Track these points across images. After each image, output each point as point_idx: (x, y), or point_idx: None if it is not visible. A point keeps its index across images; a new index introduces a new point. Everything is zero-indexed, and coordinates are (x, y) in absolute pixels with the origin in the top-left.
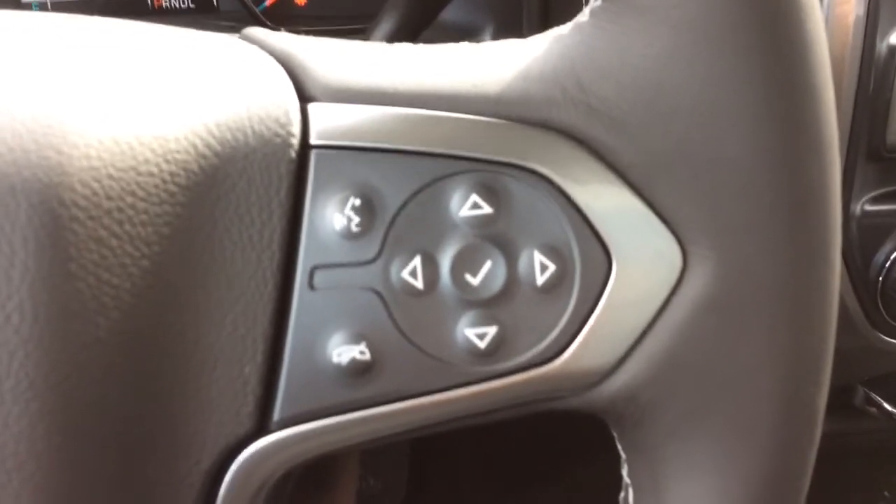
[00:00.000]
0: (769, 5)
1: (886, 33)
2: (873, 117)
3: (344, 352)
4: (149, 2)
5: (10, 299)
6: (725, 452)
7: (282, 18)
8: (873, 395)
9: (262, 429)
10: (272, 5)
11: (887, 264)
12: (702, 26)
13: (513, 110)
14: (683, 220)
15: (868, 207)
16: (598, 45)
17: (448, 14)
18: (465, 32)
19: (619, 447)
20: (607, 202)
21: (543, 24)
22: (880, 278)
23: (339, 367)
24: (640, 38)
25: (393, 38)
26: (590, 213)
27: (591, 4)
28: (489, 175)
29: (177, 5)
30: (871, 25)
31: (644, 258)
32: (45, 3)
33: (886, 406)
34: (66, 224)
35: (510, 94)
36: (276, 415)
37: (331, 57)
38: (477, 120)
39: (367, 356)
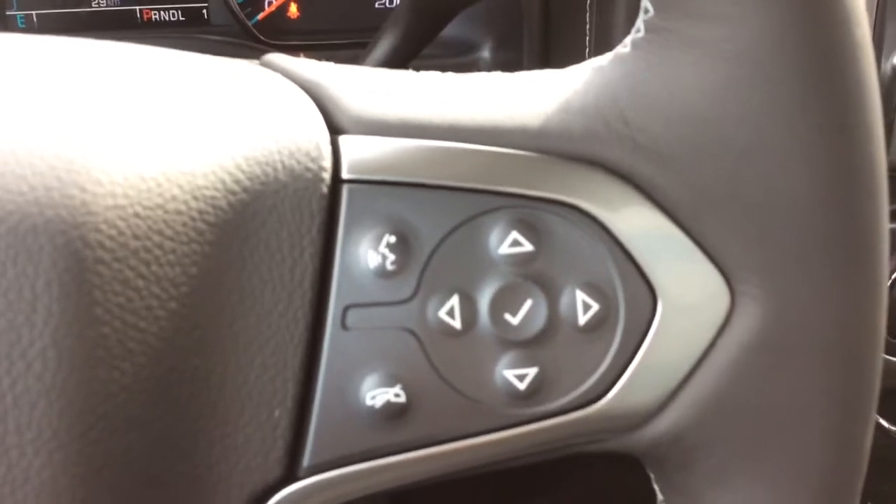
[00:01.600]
0: (824, 40)
1: (891, 53)
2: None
3: (378, 394)
4: (138, 15)
5: (33, 346)
6: (772, 497)
7: (274, 32)
8: None
9: (291, 475)
10: (264, 18)
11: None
12: (755, 60)
13: (553, 144)
14: (732, 259)
15: None
16: (643, 78)
17: (447, 30)
18: (464, 48)
19: (657, 487)
20: (652, 239)
21: (544, 41)
22: None
23: (372, 410)
24: (688, 70)
25: (395, 54)
26: (634, 251)
27: (633, 35)
28: (529, 211)
29: (166, 18)
30: (876, 46)
31: (690, 297)
32: (31, 16)
33: (883, 423)
34: (91, 266)
35: (550, 128)
36: (307, 461)
37: (360, 87)
38: (516, 154)
39: (403, 399)
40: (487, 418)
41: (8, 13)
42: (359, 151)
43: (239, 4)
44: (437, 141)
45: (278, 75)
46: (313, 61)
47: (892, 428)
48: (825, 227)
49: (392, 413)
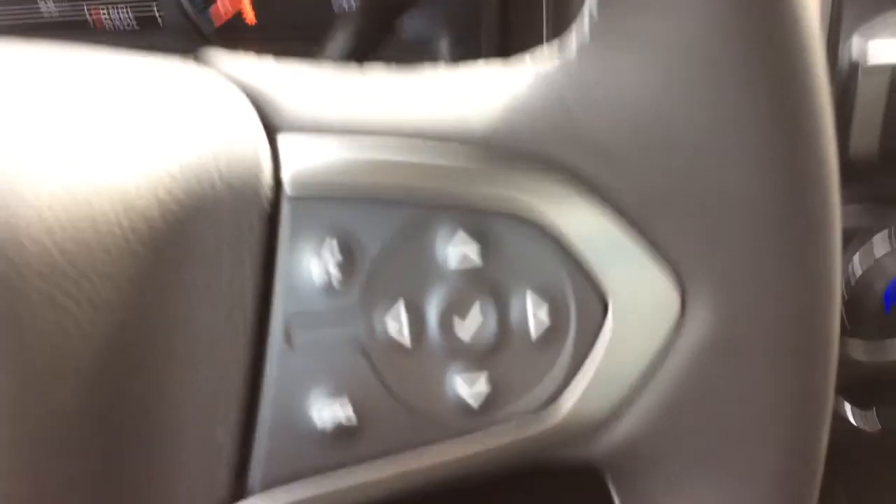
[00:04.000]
0: (771, 30)
1: (847, 48)
2: (839, 124)
3: (326, 411)
4: (91, 22)
5: None
6: (730, 500)
7: (230, 35)
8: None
9: (237, 496)
10: (220, 26)
11: (851, 276)
12: (700, 52)
13: (499, 142)
14: (682, 259)
15: None
16: (589, 75)
17: (404, 27)
18: (421, 44)
19: (615, 496)
20: (602, 242)
21: (501, 36)
22: (844, 291)
23: (321, 427)
24: (634, 67)
25: (350, 52)
26: (584, 255)
27: (578, 30)
28: (476, 216)
29: (120, 26)
30: (833, 40)
31: (641, 301)
32: None
33: (848, 416)
34: (19, 286)
35: (496, 128)
36: (253, 481)
37: (299, 84)
38: (460, 157)
39: (352, 415)
40: (440, 432)
41: None
42: (299, 157)
43: (192, 7)
44: (378, 146)
45: (214, 75)
46: (252, 58)
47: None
48: (775, 224)
49: (341, 430)
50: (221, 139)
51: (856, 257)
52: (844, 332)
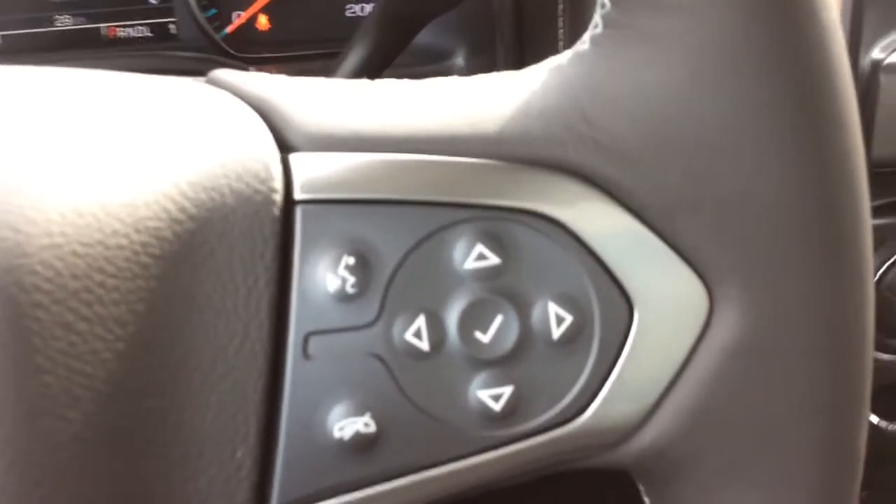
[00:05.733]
0: (791, 30)
1: (869, 48)
2: (862, 130)
3: (346, 425)
4: (103, 32)
5: None
6: None
7: (245, 45)
8: None
9: None
10: (233, 32)
11: (875, 278)
12: (718, 53)
13: (514, 150)
14: (708, 261)
15: None
16: (604, 76)
17: (420, 37)
18: (437, 56)
19: (647, 501)
20: (625, 245)
21: (517, 47)
22: None
23: (341, 441)
24: (649, 66)
25: (366, 65)
26: (606, 258)
27: (591, 31)
28: (494, 223)
29: (133, 34)
30: (854, 41)
31: (668, 303)
32: None
33: (873, 419)
34: (29, 311)
35: (510, 133)
36: (275, 500)
37: (310, 101)
38: (476, 163)
39: (373, 428)
40: (463, 442)
41: None
42: (311, 169)
43: (207, 18)
44: (392, 154)
45: (225, 92)
46: (263, 75)
47: (883, 424)
48: (803, 223)
49: (362, 443)
50: (233, 156)
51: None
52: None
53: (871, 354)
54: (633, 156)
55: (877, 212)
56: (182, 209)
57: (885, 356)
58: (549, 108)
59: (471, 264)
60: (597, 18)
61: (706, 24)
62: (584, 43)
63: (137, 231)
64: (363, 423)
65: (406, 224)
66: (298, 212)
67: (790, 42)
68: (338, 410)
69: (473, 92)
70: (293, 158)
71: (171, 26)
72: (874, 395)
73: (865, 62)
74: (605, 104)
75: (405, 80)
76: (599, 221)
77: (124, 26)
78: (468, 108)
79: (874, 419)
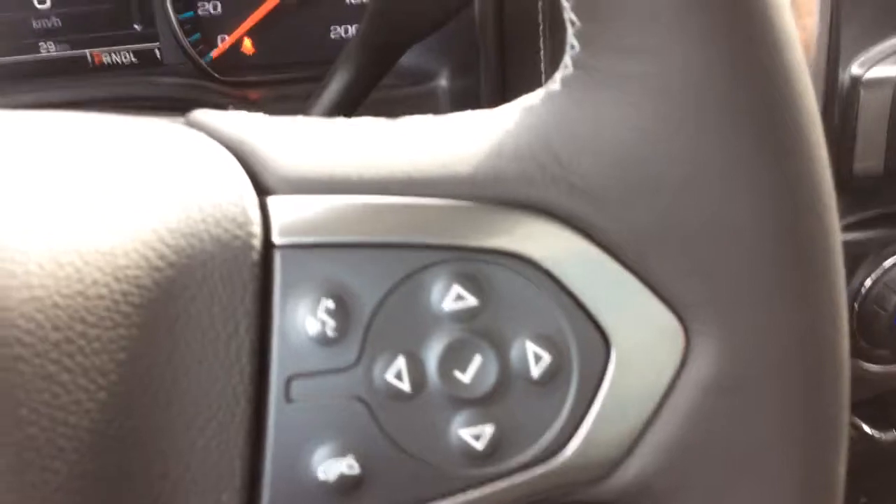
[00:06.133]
0: (752, 68)
1: (848, 63)
2: (840, 148)
3: (330, 467)
4: (89, 59)
5: None
6: None
7: (229, 69)
8: (854, 418)
9: None
10: (218, 56)
11: (862, 291)
12: (681, 93)
13: (487, 191)
14: (682, 296)
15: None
16: (574, 118)
17: (403, 59)
18: (421, 77)
19: None
20: (600, 283)
21: (500, 69)
22: (856, 305)
23: (325, 484)
24: (616, 107)
25: (350, 89)
26: (582, 297)
27: (562, 72)
28: (470, 263)
29: (119, 61)
30: (833, 57)
31: (644, 340)
32: None
33: (865, 428)
34: (10, 365)
35: (483, 174)
36: None
37: (288, 142)
38: (452, 204)
39: (356, 469)
40: (446, 481)
41: None
42: (289, 213)
43: (191, 42)
44: (368, 196)
45: (202, 135)
46: (242, 115)
47: (876, 434)
48: (773, 255)
49: (346, 485)
50: (210, 200)
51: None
52: (857, 348)
53: (848, 377)
54: (603, 196)
55: (860, 225)
56: (161, 256)
57: (874, 367)
58: (522, 149)
59: (449, 305)
60: (566, 59)
61: (670, 65)
62: (555, 83)
63: (117, 280)
64: (347, 465)
65: (383, 267)
66: (277, 256)
67: (754, 80)
68: (321, 452)
69: (448, 132)
70: (270, 202)
71: (156, 51)
72: (866, 406)
73: (845, 77)
74: (576, 145)
75: (381, 120)
76: (573, 260)
77: (109, 52)
78: (443, 148)
79: (866, 429)
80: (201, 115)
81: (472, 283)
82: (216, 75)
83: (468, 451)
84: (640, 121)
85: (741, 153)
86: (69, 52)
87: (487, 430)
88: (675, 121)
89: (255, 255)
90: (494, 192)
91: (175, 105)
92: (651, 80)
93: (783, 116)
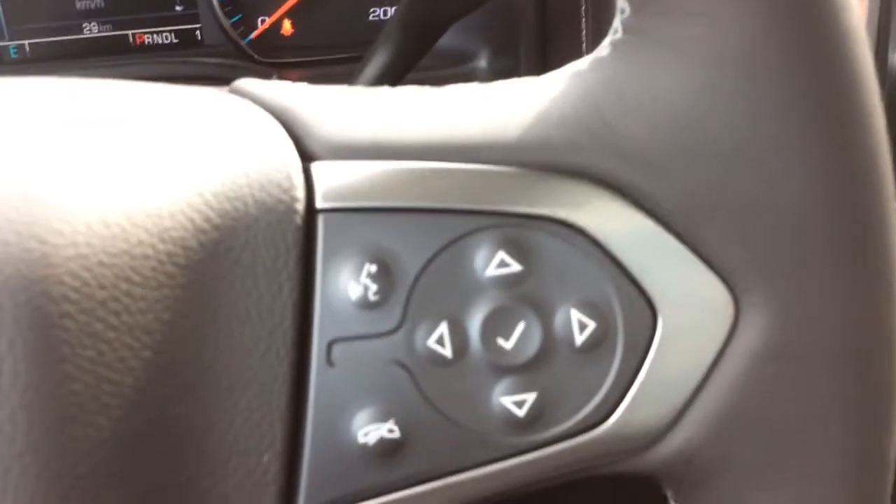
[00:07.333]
0: (810, 34)
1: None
2: (890, 133)
3: (371, 431)
4: (131, 39)
5: (1, 409)
6: None
7: (269, 50)
8: None
9: None
10: (258, 37)
11: None
12: (737, 60)
13: (534, 157)
14: (733, 266)
15: None
16: (623, 82)
17: (443, 40)
18: (460, 58)
19: None
20: (648, 251)
21: (540, 48)
22: None
23: (366, 447)
24: (669, 72)
25: (389, 69)
26: (629, 264)
27: (611, 37)
28: (515, 230)
29: (160, 41)
30: (882, 40)
31: (692, 309)
32: (24, 46)
33: None
34: (57, 321)
35: (530, 140)
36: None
37: (331, 109)
38: (497, 170)
39: (397, 434)
40: (487, 448)
41: (0, 44)
42: (332, 178)
43: (232, 24)
44: (413, 162)
45: (247, 102)
46: (285, 83)
47: None
48: (828, 226)
49: (387, 449)
50: (255, 165)
51: None
52: None
53: None
54: (654, 161)
55: None
56: (206, 219)
57: None
58: (569, 115)
59: (492, 271)
60: (616, 24)
61: (726, 29)
62: (603, 48)
63: (163, 241)
64: (387, 430)
65: (427, 232)
66: (320, 220)
67: (811, 46)
68: (362, 416)
69: (493, 99)
70: (314, 167)
71: (197, 32)
72: None
73: (894, 61)
74: (626, 110)
75: (425, 87)
76: (621, 227)
77: (151, 33)
78: (488, 115)
79: None
80: (246, 83)
81: (517, 249)
82: (255, 56)
83: (510, 419)
84: (693, 85)
85: (797, 124)
86: (112, 33)
87: (529, 397)
88: (730, 87)
89: (299, 220)
90: (541, 158)
91: (215, 85)
92: (706, 44)
93: (842, 88)
